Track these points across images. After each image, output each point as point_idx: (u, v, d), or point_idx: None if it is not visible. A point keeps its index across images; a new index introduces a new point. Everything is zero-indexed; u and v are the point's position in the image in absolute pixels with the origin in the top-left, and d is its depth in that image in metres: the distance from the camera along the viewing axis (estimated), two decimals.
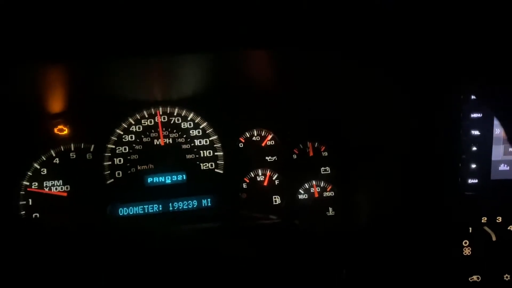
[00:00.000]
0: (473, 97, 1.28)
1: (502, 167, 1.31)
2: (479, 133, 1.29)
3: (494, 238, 1.33)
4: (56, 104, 1.52)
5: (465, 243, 1.34)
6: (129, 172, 1.57)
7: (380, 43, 1.20)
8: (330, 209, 1.64)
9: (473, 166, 1.31)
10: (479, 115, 1.29)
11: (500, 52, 1.04)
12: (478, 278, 1.34)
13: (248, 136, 1.66)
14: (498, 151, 1.30)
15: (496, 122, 1.28)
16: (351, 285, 1.38)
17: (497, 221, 1.34)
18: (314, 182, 1.65)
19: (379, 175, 1.52)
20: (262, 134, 1.67)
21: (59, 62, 1.18)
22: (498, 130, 1.29)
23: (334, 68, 1.41)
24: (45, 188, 1.52)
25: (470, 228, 1.34)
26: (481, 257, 1.33)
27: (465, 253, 1.34)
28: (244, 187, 1.62)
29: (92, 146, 1.57)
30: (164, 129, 1.61)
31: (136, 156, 1.58)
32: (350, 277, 1.38)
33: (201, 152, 1.62)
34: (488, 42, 1.05)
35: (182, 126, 1.63)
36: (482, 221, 1.34)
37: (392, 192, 1.47)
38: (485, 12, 1.01)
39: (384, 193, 1.50)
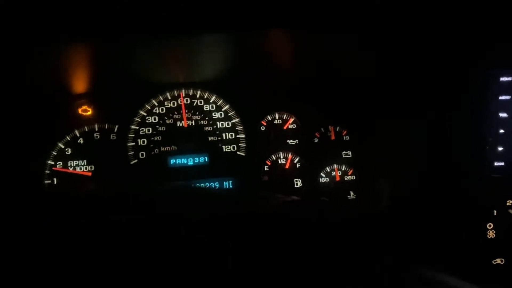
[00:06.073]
0: (502, 79, 1.28)
1: None
2: (506, 115, 1.29)
3: None
4: (80, 84, 1.53)
5: (489, 226, 1.34)
6: (152, 153, 1.58)
7: (405, 24, 1.19)
8: (352, 192, 1.64)
9: (500, 148, 1.31)
10: (507, 97, 1.29)
11: None
12: (501, 261, 1.34)
13: (270, 119, 1.67)
14: None
15: None
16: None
17: None
18: (335, 166, 1.65)
19: (401, 158, 1.52)
20: (284, 118, 1.68)
21: (84, 42, 1.19)
22: None
23: (355, 49, 1.41)
24: (69, 168, 1.53)
25: (495, 211, 1.34)
26: (505, 240, 1.33)
27: (489, 236, 1.34)
28: (265, 169, 1.63)
29: (116, 127, 1.58)
30: (187, 111, 1.62)
31: (159, 138, 1.59)
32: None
33: (223, 134, 1.63)
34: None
35: (205, 109, 1.64)
36: (507, 204, 1.34)
37: (415, 175, 1.47)
38: None
39: (406, 177, 1.50)
